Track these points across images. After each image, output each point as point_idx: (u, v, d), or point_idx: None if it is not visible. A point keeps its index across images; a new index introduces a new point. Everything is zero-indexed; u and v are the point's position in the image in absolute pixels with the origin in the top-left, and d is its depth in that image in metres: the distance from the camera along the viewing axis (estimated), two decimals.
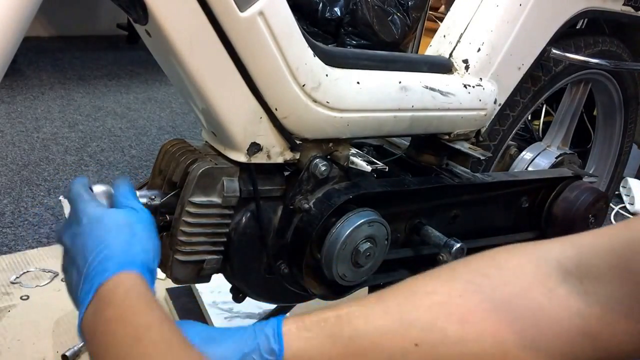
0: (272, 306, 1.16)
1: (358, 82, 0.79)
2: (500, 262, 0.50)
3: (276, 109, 0.72)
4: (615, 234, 0.45)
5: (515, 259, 0.49)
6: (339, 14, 2.64)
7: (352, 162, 0.81)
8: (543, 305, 0.45)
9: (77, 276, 0.56)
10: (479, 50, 0.95)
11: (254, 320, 1.19)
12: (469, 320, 0.46)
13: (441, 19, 1.04)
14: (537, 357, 0.45)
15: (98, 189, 0.65)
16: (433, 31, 1.05)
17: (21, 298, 1.25)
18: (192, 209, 0.71)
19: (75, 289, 0.56)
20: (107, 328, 0.49)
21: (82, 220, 0.58)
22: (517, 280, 0.47)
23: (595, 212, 1.11)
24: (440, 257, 0.89)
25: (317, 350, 0.51)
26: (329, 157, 0.81)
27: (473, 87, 0.93)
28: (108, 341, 0.49)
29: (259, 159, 0.74)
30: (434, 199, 0.92)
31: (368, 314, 0.50)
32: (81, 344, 1.11)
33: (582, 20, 1.26)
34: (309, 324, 0.53)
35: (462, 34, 0.97)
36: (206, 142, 0.78)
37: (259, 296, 0.85)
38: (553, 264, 0.47)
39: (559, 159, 1.26)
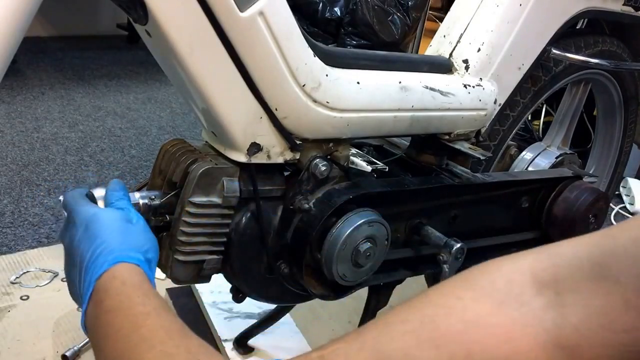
0: (272, 306, 1.16)
1: (358, 82, 0.79)
2: (472, 281, 0.49)
3: (276, 109, 0.72)
4: (595, 243, 0.44)
5: (487, 277, 0.48)
6: (339, 14, 2.64)
7: (352, 162, 0.81)
8: (516, 321, 0.44)
9: (77, 274, 0.57)
10: (479, 50, 0.95)
11: (254, 321, 1.19)
12: (441, 344, 0.45)
13: (441, 19, 1.04)
14: None
15: (97, 192, 0.67)
16: (433, 31, 1.05)
17: (21, 298, 1.25)
18: (192, 209, 0.71)
19: (78, 287, 0.57)
20: (105, 319, 0.50)
21: (77, 221, 0.60)
22: (489, 299, 0.46)
23: (595, 212, 1.11)
24: (441, 257, 0.89)
25: None
26: (329, 157, 0.81)
27: (473, 87, 0.93)
28: (107, 332, 0.49)
29: (259, 159, 0.74)
30: (434, 199, 0.92)
31: (348, 351, 0.49)
32: (81, 344, 1.12)
33: (582, 20, 1.26)
34: None
35: (462, 34, 0.97)
36: (206, 142, 0.78)
37: (259, 296, 0.85)
38: (527, 277, 0.46)
39: (559, 159, 1.26)
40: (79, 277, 0.57)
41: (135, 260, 0.56)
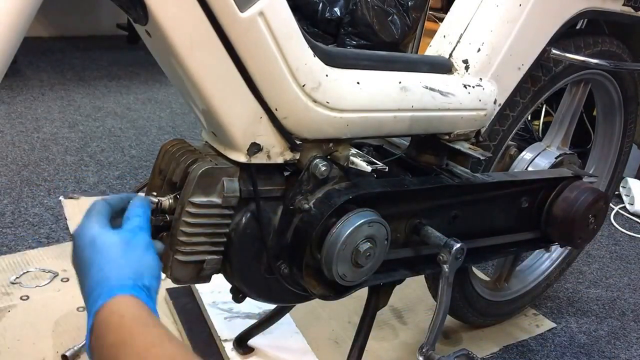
0: (272, 306, 1.16)
1: (358, 82, 0.79)
2: None
3: (276, 109, 0.72)
4: None
5: None
6: (338, 14, 2.64)
7: (352, 162, 0.81)
8: None
9: (82, 291, 0.60)
10: (479, 50, 0.95)
11: (254, 321, 1.19)
12: None
13: (441, 19, 1.04)
14: None
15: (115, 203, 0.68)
16: (433, 31, 1.05)
17: (21, 298, 1.25)
18: (192, 209, 0.71)
19: (85, 301, 0.60)
20: (109, 354, 0.52)
21: (77, 241, 0.62)
22: None
23: (595, 212, 1.11)
24: (440, 257, 0.89)
25: None
26: (329, 157, 0.81)
27: (473, 87, 0.93)
28: None
29: (259, 159, 0.74)
30: (434, 199, 0.92)
31: None
32: (81, 344, 1.12)
33: (582, 20, 1.26)
34: None
35: (462, 34, 0.97)
36: (206, 142, 0.78)
37: (259, 296, 0.85)
38: None
39: (559, 159, 1.26)
40: (83, 294, 0.60)
41: (131, 290, 0.57)
